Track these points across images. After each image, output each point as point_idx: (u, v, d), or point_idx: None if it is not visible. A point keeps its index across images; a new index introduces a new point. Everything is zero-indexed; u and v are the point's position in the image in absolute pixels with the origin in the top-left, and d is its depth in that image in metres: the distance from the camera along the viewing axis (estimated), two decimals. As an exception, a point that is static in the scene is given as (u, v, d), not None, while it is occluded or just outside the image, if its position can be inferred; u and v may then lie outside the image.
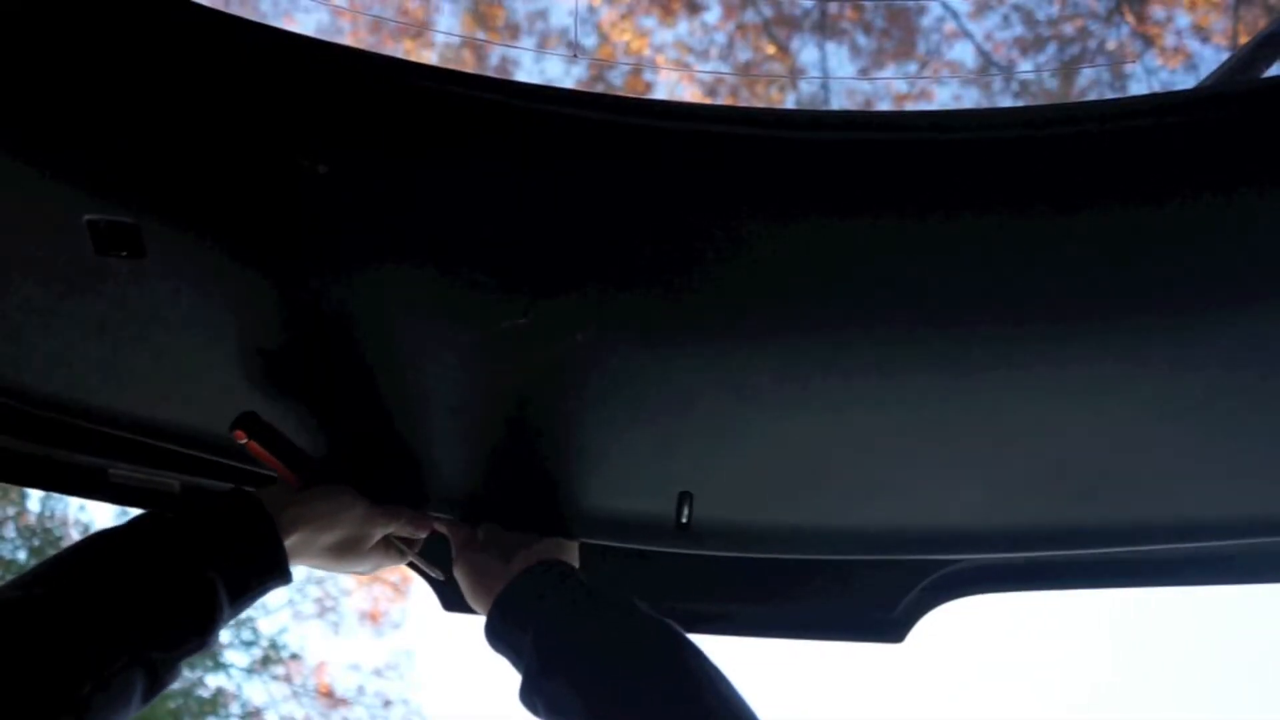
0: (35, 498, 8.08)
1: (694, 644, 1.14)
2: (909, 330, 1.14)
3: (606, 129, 1.04)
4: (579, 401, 1.21)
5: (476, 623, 1.30)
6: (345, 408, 1.26)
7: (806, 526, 1.31)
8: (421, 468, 1.32)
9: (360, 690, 8.47)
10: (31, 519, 8.17)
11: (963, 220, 1.07)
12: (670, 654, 1.10)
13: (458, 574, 1.33)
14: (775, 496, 1.29)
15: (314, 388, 1.25)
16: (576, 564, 1.32)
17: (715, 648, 1.13)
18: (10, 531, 8.18)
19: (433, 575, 1.42)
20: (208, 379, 1.24)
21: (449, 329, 1.17)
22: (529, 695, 1.14)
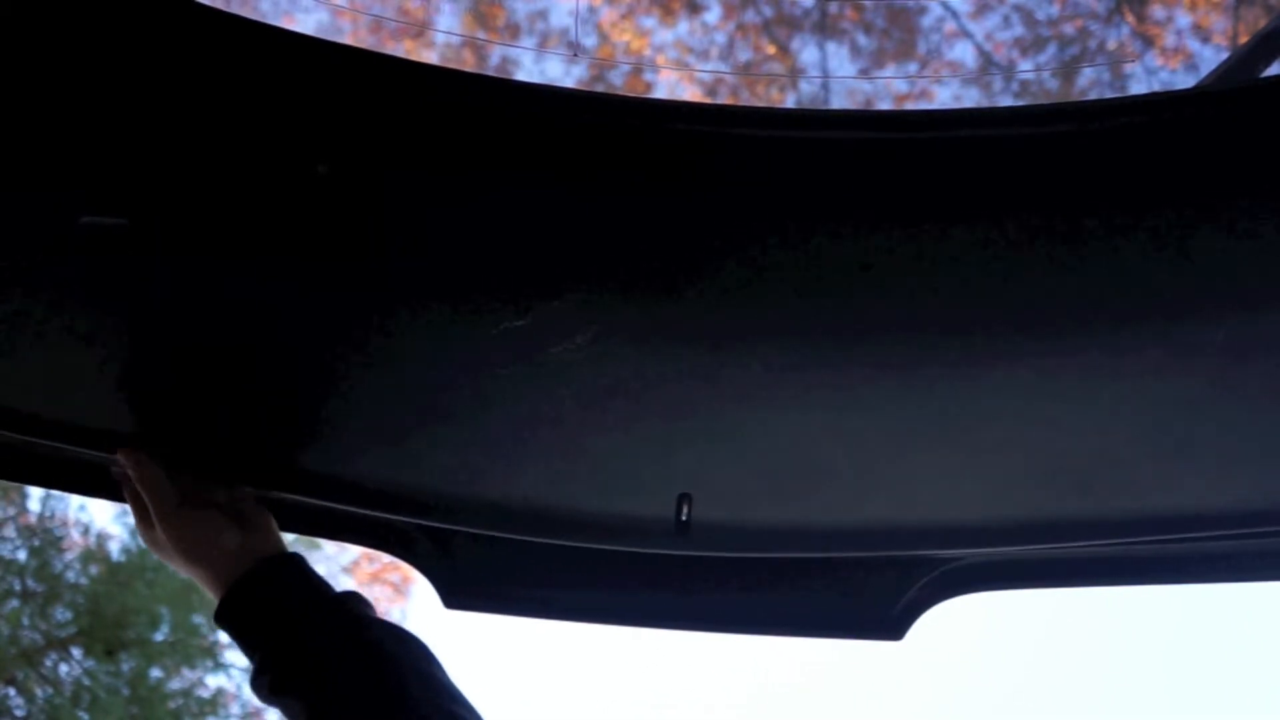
0: (35, 497, 8.08)
1: (428, 665, 1.17)
2: (905, 328, 1.14)
3: (605, 131, 1.04)
4: (576, 403, 1.21)
5: (478, 621, 1.30)
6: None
7: (807, 525, 1.31)
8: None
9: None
10: (32, 519, 8.16)
11: (962, 219, 1.07)
12: (399, 687, 1.14)
13: (174, 525, 1.22)
14: (775, 495, 1.29)
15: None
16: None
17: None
18: (10, 531, 8.17)
19: None
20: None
21: (449, 329, 1.17)
22: (260, 692, 1.17)
